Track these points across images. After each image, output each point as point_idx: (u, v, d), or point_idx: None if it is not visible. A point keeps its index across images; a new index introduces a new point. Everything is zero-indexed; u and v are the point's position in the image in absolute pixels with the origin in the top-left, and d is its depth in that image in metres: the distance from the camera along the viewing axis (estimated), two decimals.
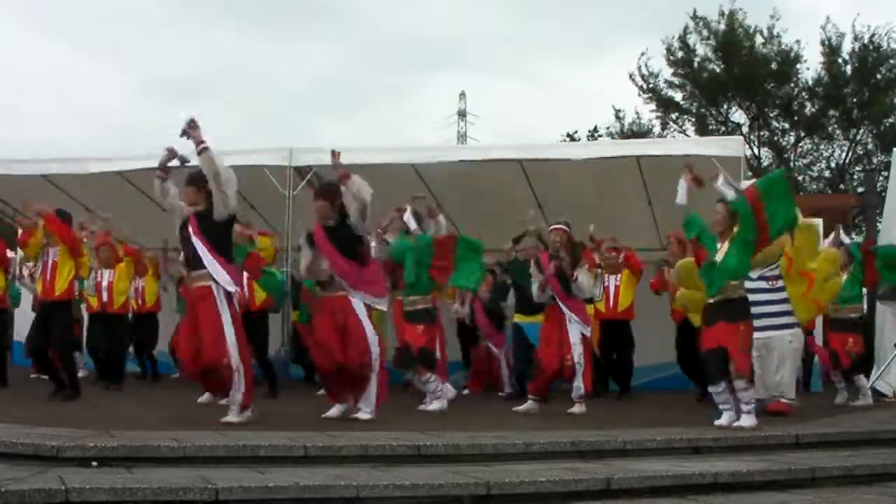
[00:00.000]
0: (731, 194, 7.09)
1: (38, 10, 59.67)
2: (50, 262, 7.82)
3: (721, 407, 6.67)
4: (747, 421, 6.44)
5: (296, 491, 4.22)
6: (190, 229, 6.22)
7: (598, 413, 7.49)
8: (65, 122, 57.98)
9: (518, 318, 9.33)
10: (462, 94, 38.67)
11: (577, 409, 7.60)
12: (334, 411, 6.69)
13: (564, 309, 7.65)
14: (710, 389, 6.85)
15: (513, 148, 10.18)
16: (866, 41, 23.41)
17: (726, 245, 6.74)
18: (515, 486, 4.52)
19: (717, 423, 6.57)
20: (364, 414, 6.53)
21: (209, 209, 6.20)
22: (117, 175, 10.54)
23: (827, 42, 23.82)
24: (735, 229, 6.74)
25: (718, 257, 6.72)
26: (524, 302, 8.95)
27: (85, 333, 10.23)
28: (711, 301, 6.77)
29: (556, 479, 4.62)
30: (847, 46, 23.77)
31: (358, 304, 6.56)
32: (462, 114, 38.13)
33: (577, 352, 7.59)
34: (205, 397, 7.45)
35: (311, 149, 10.21)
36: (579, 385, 7.62)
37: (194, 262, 6.25)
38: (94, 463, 4.60)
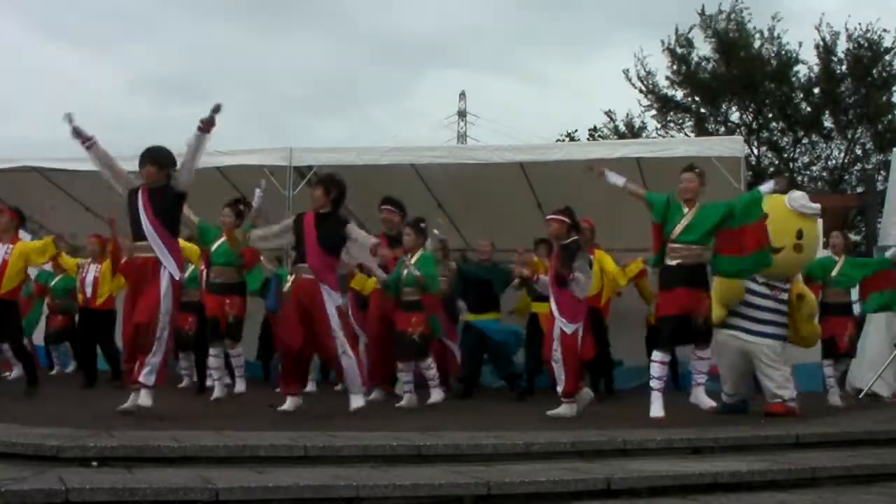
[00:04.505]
0: (619, 181, 7.51)
1: (39, 10, 59.76)
2: None
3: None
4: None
5: (296, 491, 4.21)
6: (140, 203, 6.39)
7: (598, 413, 7.47)
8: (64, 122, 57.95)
9: (470, 317, 9.32)
10: (462, 94, 38.74)
11: (562, 409, 7.16)
12: (289, 405, 6.91)
13: (552, 302, 7.40)
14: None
15: (513, 149, 10.16)
16: (861, 41, 23.38)
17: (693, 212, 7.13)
18: (515, 486, 4.51)
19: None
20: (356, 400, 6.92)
21: (165, 189, 6.44)
22: None
23: (822, 42, 23.81)
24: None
25: (685, 222, 7.10)
26: (475, 300, 9.25)
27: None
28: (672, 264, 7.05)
29: (556, 479, 4.62)
30: (842, 45, 23.78)
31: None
32: (462, 114, 38.16)
33: (556, 347, 7.26)
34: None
35: (311, 149, 10.22)
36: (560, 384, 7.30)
37: (139, 233, 6.41)
38: (94, 463, 4.60)
